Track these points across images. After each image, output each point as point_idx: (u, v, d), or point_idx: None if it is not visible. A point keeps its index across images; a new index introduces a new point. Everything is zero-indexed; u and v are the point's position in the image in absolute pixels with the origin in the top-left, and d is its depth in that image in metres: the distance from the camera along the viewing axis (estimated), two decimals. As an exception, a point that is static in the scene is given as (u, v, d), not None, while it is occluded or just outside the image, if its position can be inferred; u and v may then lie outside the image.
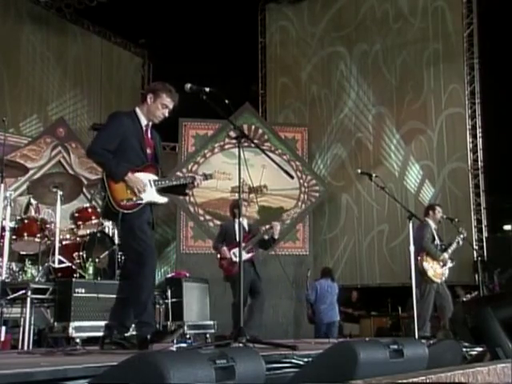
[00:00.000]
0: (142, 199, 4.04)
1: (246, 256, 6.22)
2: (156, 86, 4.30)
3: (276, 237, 6.49)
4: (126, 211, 3.96)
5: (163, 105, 4.18)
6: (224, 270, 6.47)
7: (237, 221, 6.49)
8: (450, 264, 7.12)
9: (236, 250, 6.28)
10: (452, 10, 11.72)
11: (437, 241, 7.23)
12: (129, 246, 4.08)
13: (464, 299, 9.86)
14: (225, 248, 6.42)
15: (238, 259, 6.09)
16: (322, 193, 11.69)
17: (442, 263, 7.05)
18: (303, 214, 11.39)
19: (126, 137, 4.07)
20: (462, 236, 7.25)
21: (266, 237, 6.49)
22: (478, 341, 3.88)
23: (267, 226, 6.57)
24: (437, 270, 7.01)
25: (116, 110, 4.35)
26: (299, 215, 11.27)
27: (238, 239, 6.39)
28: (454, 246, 7.20)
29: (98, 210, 6.56)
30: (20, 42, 11.91)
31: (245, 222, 6.47)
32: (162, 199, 4.21)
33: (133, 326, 4.10)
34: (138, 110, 4.24)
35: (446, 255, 7.07)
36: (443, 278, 7.07)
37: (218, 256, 6.56)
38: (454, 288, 8.95)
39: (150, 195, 4.10)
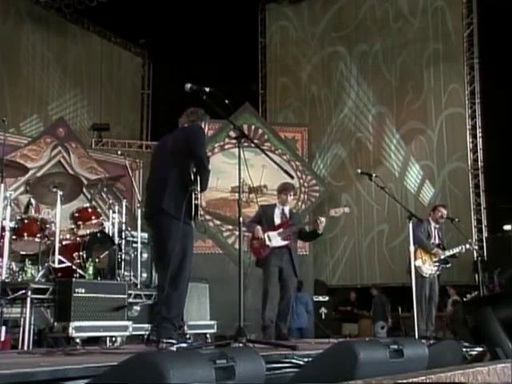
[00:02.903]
0: None
1: (281, 242, 5.89)
2: (203, 114, 4.53)
3: (320, 232, 5.95)
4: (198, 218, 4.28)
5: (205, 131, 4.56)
6: (254, 252, 5.93)
7: (279, 206, 6.13)
8: (445, 264, 7.11)
9: (271, 234, 5.88)
10: (452, 10, 11.73)
11: (435, 239, 7.24)
12: (184, 249, 4.27)
13: (455, 298, 9.88)
14: (258, 227, 5.87)
15: (271, 244, 5.85)
16: (322, 193, 11.70)
17: (434, 258, 7.06)
18: (303, 213, 11.38)
19: None
20: (467, 246, 7.25)
21: (307, 229, 6.21)
22: (478, 341, 3.88)
23: (312, 219, 6.23)
24: (426, 264, 7.03)
25: (198, 124, 4.47)
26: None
27: (274, 225, 5.93)
28: (457, 250, 7.19)
29: (98, 210, 6.57)
30: (20, 42, 11.92)
31: (286, 209, 6.19)
32: None
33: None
34: None
35: (439, 251, 7.09)
36: (433, 272, 7.07)
37: (249, 235, 6.02)
38: (445, 287, 8.99)
39: None
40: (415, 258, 6.72)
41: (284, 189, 6.15)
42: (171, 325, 4.08)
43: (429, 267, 7.05)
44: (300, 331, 9.93)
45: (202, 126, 4.49)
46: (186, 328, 6.04)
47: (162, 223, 4.26)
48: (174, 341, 3.96)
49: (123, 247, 6.17)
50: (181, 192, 4.10)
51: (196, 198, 4.11)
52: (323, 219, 5.85)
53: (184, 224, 4.06)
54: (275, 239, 5.88)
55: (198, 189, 4.14)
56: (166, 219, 4.16)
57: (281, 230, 5.94)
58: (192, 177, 4.12)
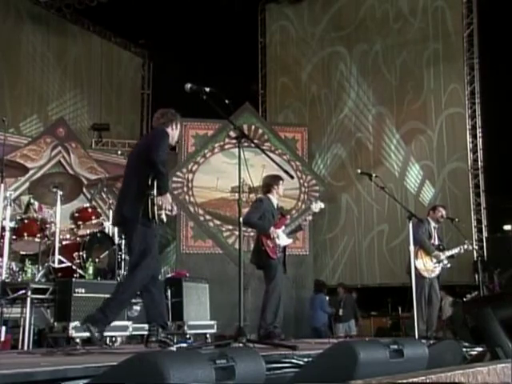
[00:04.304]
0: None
1: (287, 241, 5.75)
2: (173, 114, 4.65)
3: (302, 227, 6.12)
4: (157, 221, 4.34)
5: (179, 131, 4.70)
6: (270, 252, 5.62)
7: (275, 200, 5.90)
8: (444, 264, 7.11)
9: (278, 231, 5.68)
10: (452, 10, 11.73)
11: (434, 240, 7.23)
12: (143, 249, 4.26)
13: (450, 299, 9.88)
14: (273, 228, 5.67)
15: (280, 242, 5.67)
16: (321, 193, 11.69)
17: (434, 260, 7.06)
18: (303, 214, 11.39)
19: None
20: (465, 246, 7.24)
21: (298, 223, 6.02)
22: (478, 341, 3.88)
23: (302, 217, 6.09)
24: (427, 265, 7.02)
25: (162, 128, 4.51)
26: (299, 215, 11.27)
27: (277, 221, 5.71)
28: (455, 251, 7.19)
29: (98, 210, 6.57)
30: (20, 42, 11.92)
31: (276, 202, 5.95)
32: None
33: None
34: (170, 133, 4.52)
35: (440, 254, 7.08)
36: (433, 275, 7.07)
37: (250, 234, 5.92)
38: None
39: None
40: (416, 259, 6.72)
41: (279, 178, 5.88)
42: (101, 314, 4.10)
43: (429, 268, 7.03)
44: (315, 331, 10.12)
45: (173, 126, 4.55)
46: (186, 328, 6.04)
47: (126, 229, 4.50)
48: (96, 330, 4.01)
49: (123, 247, 6.16)
50: (139, 198, 4.21)
51: (153, 202, 4.19)
52: (310, 217, 6.00)
53: (143, 227, 4.20)
54: (282, 238, 5.72)
55: (155, 193, 4.21)
56: (128, 225, 4.35)
57: (283, 227, 5.78)
58: (149, 182, 4.21)
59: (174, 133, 4.57)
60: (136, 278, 4.22)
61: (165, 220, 4.45)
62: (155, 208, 4.20)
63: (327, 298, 11.06)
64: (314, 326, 10.33)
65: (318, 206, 5.92)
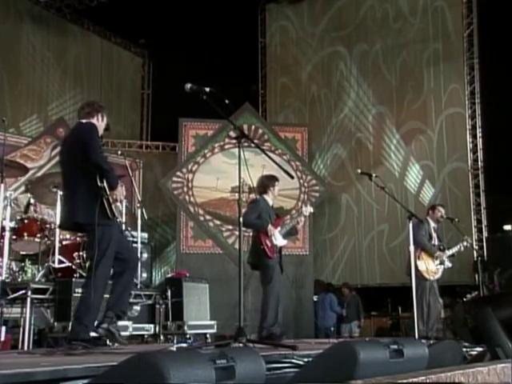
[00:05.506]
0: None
1: (283, 241, 5.75)
2: (100, 106, 4.57)
3: (298, 231, 6.21)
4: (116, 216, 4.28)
5: (105, 124, 4.57)
6: (268, 251, 5.61)
7: (270, 201, 5.91)
8: (447, 264, 7.11)
9: (275, 232, 5.69)
10: (452, 10, 11.73)
11: (434, 240, 7.23)
12: (102, 249, 4.16)
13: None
14: (271, 226, 5.66)
15: (277, 243, 5.68)
16: (321, 193, 11.70)
17: (436, 261, 7.04)
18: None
19: None
20: (465, 243, 7.23)
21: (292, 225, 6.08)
22: (478, 341, 3.88)
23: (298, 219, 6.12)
24: (429, 267, 7.01)
25: (87, 123, 4.40)
26: (299, 215, 11.27)
27: (273, 222, 5.72)
28: (455, 249, 7.18)
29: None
30: (20, 42, 11.91)
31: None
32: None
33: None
34: (96, 124, 4.39)
35: (442, 254, 7.07)
36: (435, 277, 7.06)
37: (250, 233, 5.83)
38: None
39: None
40: (418, 261, 6.72)
41: (275, 179, 5.91)
42: (79, 325, 4.02)
43: (432, 270, 7.01)
44: (326, 331, 10.26)
45: (99, 118, 4.45)
46: (186, 328, 6.04)
47: (83, 232, 4.48)
48: (84, 343, 3.88)
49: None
50: (92, 200, 4.05)
51: (108, 202, 4.09)
52: (303, 218, 6.01)
53: (102, 227, 4.06)
54: (279, 238, 5.73)
55: (107, 190, 4.10)
56: (85, 229, 4.30)
57: (279, 228, 5.81)
58: (98, 181, 4.07)
59: (99, 124, 4.43)
60: (98, 278, 4.07)
61: (120, 208, 4.44)
62: (112, 206, 4.11)
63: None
64: (326, 326, 10.43)
65: (307, 210, 6.02)
